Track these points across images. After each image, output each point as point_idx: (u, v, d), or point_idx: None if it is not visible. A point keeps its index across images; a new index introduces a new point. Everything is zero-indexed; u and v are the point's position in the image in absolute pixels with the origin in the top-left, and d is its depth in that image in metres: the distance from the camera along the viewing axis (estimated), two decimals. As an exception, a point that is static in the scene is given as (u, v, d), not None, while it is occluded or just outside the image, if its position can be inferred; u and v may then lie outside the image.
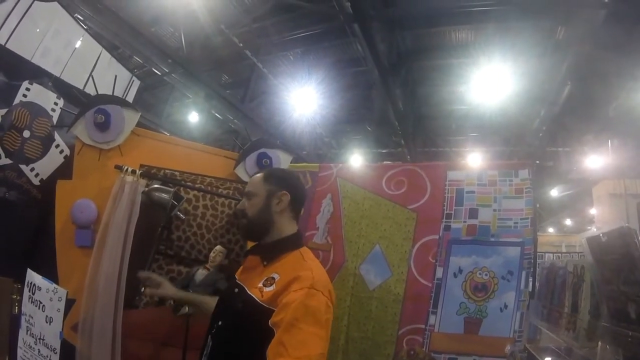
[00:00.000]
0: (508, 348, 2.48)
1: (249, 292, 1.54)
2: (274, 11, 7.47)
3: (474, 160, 9.98)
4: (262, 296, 1.48)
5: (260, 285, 1.52)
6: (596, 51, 6.33)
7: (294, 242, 1.68)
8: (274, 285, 1.49)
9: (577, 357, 2.81)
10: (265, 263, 1.61)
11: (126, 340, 2.27)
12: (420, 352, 2.61)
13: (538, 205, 2.77)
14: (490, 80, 7.89)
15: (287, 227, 1.70)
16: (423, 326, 2.69)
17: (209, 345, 1.56)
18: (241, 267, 1.76)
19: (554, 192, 12.44)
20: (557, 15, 6.62)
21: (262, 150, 2.87)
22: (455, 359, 2.63)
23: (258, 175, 1.77)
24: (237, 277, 1.72)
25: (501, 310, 2.60)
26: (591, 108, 7.84)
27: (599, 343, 2.60)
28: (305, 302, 1.39)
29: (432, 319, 2.69)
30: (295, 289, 1.42)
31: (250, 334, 1.44)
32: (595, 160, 9.28)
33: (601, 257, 2.52)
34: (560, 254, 9.20)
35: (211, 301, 1.93)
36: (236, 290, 1.63)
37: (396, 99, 8.63)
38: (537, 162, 2.92)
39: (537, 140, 10.20)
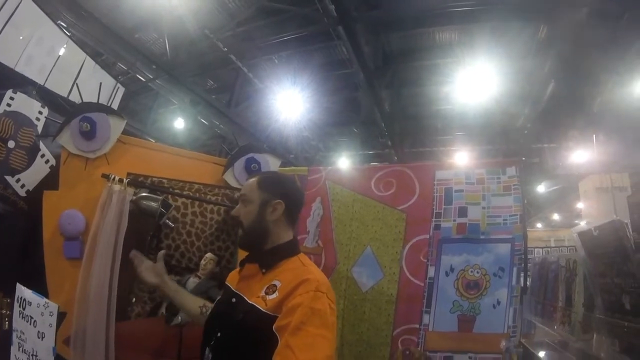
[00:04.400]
0: (503, 344, 2.49)
1: (249, 301, 1.51)
2: (258, 15, 7.46)
3: (461, 159, 10.07)
4: (266, 305, 1.45)
5: (262, 294, 1.49)
6: (579, 48, 6.41)
7: (291, 249, 1.65)
8: (276, 292, 1.46)
9: (572, 350, 2.84)
10: (263, 271, 1.57)
11: (119, 352, 2.24)
12: (416, 352, 2.62)
13: (526, 202, 2.80)
14: (475, 80, 7.95)
15: (283, 234, 1.66)
16: (417, 326, 2.70)
17: (209, 358, 1.53)
18: (237, 277, 1.71)
19: (541, 188, 12.58)
20: (540, 13, 6.69)
21: (250, 155, 2.86)
22: (451, 357, 2.64)
23: (253, 179, 1.71)
24: (233, 287, 1.67)
25: (494, 306, 2.62)
26: (575, 105, 7.94)
27: (594, 335, 2.62)
28: (311, 304, 1.37)
29: (426, 319, 2.70)
30: (301, 293, 1.40)
31: (254, 343, 1.41)
32: (581, 155, 9.40)
33: (594, 251, 2.55)
34: (549, 249, 9.31)
35: (190, 301, 1.97)
36: (234, 300, 1.59)
37: (382, 100, 8.67)
38: (523, 159, 2.94)
39: (523, 138, 10.30)
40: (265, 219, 1.63)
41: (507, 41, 7.20)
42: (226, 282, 1.79)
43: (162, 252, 2.07)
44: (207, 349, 1.55)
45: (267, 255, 1.61)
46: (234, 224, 1.67)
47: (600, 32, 5.88)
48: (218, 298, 1.79)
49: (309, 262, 1.64)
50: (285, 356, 1.28)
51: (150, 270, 1.97)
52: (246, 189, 1.70)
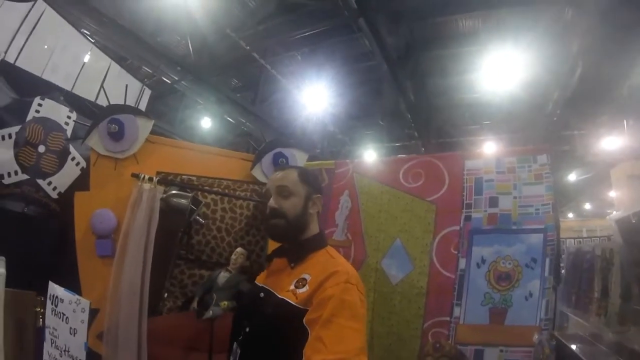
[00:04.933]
0: (536, 337, 2.44)
1: (279, 295, 1.49)
2: (278, 11, 7.48)
3: (490, 148, 9.90)
4: (297, 298, 1.44)
5: (292, 287, 1.48)
6: (606, 30, 6.22)
7: (319, 242, 1.65)
8: (307, 286, 1.45)
9: (607, 342, 2.77)
10: (292, 265, 1.57)
11: (151, 346, 2.27)
12: (446, 345, 2.59)
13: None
14: (500, 67, 7.81)
15: (313, 227, 1.67)
16: (448, 318, 2.67)
17: (237, 353, 1.52)
18: (265, 271, 1.71)
19: (572, 177, 12.30)
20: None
21: (277, 150, 2.87)
22: (482, 351, 2.59)
23: (291, 172, 1.69)
24: (259, 282, 1.67)
25: (526, 298, 2.56)
26: (604, 89, 7.71)
27: (631, 327, 2.55)
28: (342, 296, 1.36)
29: (456, 311, 2.66)
30: (331, 285, 1.39)
31: (284, 337, 1.41)
32: (612, 141, 9.14)
33: (631, 239, 2.47)
34: (581, 239, 9.11)
35: None
36: (262, 295, 1.58)
37: (406, 91, 8.59)
38: (553, 146, 2.88)
39: (552, 125, 10.07)
40: (308, 212, 1.64)
41: (531, 26, 7.04)
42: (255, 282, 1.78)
43: None
44: (235, 344, 1.55)
45: (297, 248, 1.61)
46: (274, 215, 1.61)
47: (627, 13, 5.69)
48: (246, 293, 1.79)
49: (337, 255, 1.63)
50: (316, 349, 1.27)
51: None
52: (287, 181, 1.65)
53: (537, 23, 7.03)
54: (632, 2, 5.62)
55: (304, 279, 1.48)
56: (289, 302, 1.44)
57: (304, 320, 1.37)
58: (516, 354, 2.53)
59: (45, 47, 3.69)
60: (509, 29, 7.13)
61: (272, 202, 1.62)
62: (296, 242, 1.62)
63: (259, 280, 1.71)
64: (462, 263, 2.71)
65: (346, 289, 1.39)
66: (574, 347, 2.94)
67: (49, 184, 2.88)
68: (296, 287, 1.47)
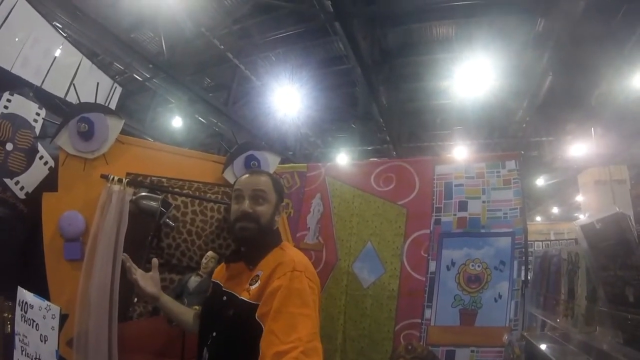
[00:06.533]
0: (505, 337, 2.49)
1: (240, 297, 1.52)
2: (254, 12, 7.47)
3: (460, 153, 10.07)
4: (250, 294, 1.47)
5: (247, 285, 1.51)
6: (576, 42, 6.40)
7: (273, 240, 1.67)
8: (258, 281, 1.48)
9: (575, 342, 2.83)
10: (250, 267, 1.59)
11: (122, 353, 2.22)
12: (418, 347, 2.61)
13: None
14: (473, 74, 7.97)
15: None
16: (419, 320, 2.71)
17: (206, 358, 1.53)
18: (224, 273, 1.73)
19: (540, 181, 12.60)
20: (537, 7, 6.69)
21: (250, 152, 2.84)
22: (453, 351, 2.64)
23: (266, 178, 1.70)
24: (222, 286, 1.68)
25: (495, 300, 2.62)
26: (573, 98, 7.93)
27: (597, 327, 2.61)
28: (289, 285, 1.39)
29: (427, 313, 2.70)
30: (278, 276, 1.43)
31: (246, 336, 1.41)
32: (579, 148, 9.40)
33: (596, 244, 2.53)
34: (549, 242, 9.30)
35: (186, 312, 1.95)
36: (224, 298, 1.60)
37: (380, 95, 8.67)
38: (522, 152, 2.95)
39: (521, 131, 10.30)
40: (275, 219, 1.67)
41: (504, 35, 7.21)
42: (213, 279, 1.81)
43: (156, 260, 2.03)
44: (205, 349, 1.56)
45: (254, 251, 1.62)
46: (248, 219, 1.60)
47: (597, 25, 5.87)
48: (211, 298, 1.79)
49: (288, 247, 1.68)
50: (269, 342, 1.29)
51: (148, 279, 1.90)
52: (263, 185, 1.66)
53: (509, 32, 7.19)
54: (601, 16, 5.80)
55: (257, 276, 1.52)
56: (245, 300, 1.48)
57: (256, 315, 1.39)
58: (487, 354, 2.59)
59: (16, 39, 3.59)
60: (482, 37, 7.27)
61: (246, 206, 1.61)
62: (255, 246, 1.63)
63: (219, 279, 1.74)
64: (433, 266, 2.75)
65: (293, 277, 1.42)
66: (543, 347, 2.99)
67: (17, 183, 2.79)
68: (250, 284, 1.51)
